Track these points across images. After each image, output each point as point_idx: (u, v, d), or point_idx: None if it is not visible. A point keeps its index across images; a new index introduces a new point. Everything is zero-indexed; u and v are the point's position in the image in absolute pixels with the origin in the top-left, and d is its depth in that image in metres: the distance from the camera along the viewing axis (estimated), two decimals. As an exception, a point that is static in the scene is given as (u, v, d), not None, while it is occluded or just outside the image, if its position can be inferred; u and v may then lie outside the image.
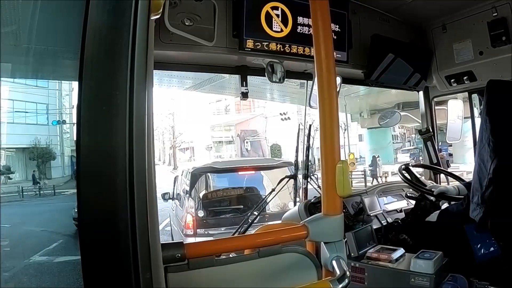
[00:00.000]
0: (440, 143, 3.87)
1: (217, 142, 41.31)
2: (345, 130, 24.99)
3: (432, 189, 2.74)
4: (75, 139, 0.75)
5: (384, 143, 25.64)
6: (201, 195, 6.03)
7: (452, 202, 2.78)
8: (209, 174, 6.27)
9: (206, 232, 5.44)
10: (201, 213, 5.59)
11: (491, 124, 1.92)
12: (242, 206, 5.91)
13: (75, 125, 0.75)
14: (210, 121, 40.95)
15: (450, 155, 17.77)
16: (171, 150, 44.20)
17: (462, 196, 2.72)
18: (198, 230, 5.47)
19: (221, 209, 5.87)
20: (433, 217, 2.56)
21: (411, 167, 3.03)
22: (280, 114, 30.30)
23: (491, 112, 1.95)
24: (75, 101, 0.75)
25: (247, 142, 35.28)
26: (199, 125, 39.74)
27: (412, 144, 28.74)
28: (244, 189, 6.36)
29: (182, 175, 7.21)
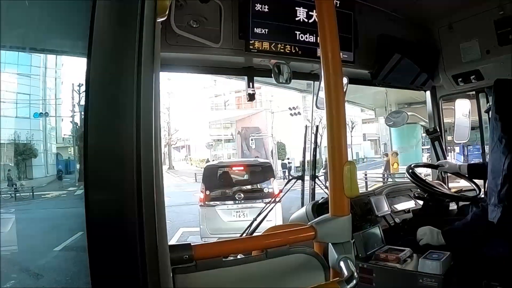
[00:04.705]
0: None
1: (216, 140, 38.43)
2: (352, 128, 24.32)
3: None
4: (83, 141, 0.76)
5: (413, 141, 23.91)
6: (210, 181, 9.35)
7: (460, 203, 2.77)
8: (217, 168, 9.85)
9: (212, 203, 8.82)
10: (207, 192, 8.93)
11: (501, 121, 1.91)
12: (233, 189, 9.18)
13: (83, 127, 0.76)
14: (208, 117, 38.74)
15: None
16: (166, 148, 41.97)
17: (471, 196, 2.70)
18: (206, 202, 8.85)
19: (220, 190, 9.16)
20: (426, 238, 2.25)
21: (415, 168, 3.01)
22: (289, 108, 28.05)
23: (500, 110, 1.94)
24: (63, 93, 0.75)
25: (252, 140, 33.94)
26: (196, 121, 37.79)
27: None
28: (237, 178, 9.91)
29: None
